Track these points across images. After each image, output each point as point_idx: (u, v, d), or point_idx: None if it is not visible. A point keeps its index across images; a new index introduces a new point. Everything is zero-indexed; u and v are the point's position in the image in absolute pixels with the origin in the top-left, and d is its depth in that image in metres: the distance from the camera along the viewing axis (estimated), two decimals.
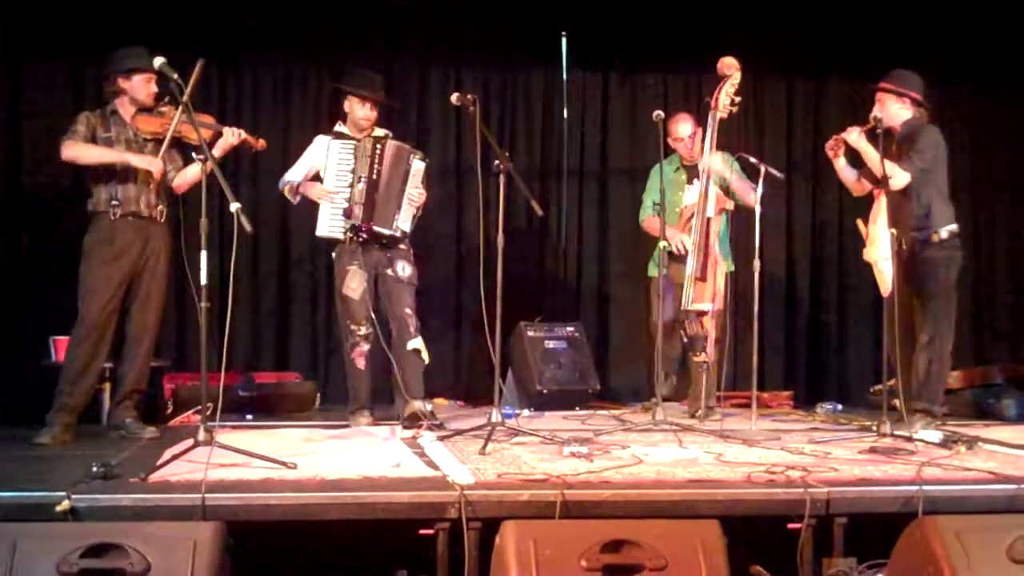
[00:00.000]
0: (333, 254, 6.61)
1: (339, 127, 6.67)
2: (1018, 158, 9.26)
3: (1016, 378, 7.77)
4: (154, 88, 5.96)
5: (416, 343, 6.49)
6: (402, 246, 6.59)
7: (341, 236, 6.46)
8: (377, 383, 6.71)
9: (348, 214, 6.42)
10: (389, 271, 6.51)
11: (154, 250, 6.01)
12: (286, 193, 6.64)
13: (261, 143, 6.21)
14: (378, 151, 6.46)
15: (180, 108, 5.51)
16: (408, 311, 6.50)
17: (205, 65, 5.58)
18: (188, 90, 5.26)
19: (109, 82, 6.00)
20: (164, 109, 5.96)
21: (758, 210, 6.41)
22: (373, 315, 6.45)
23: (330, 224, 6.49)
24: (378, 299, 6.54)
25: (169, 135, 5.85)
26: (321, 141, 6.65)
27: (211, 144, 5.84)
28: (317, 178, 6.60)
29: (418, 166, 6.59)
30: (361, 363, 6.48)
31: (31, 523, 3.80)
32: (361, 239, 6.45)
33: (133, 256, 5.94)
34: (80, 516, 3.96)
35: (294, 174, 6.63)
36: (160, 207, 6.04)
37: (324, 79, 8.50)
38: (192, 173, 6.05)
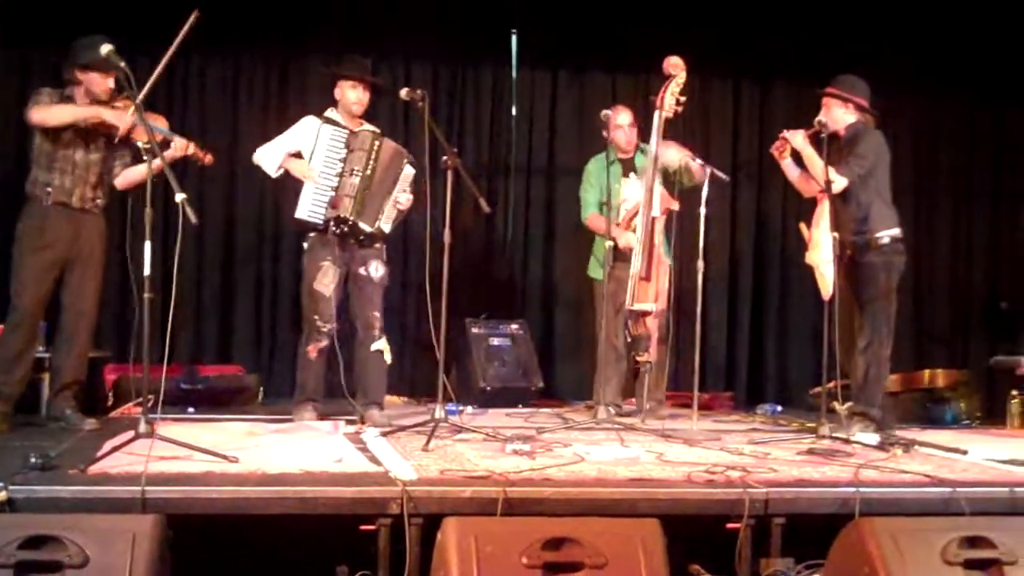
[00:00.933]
0: (305, 244, 6.50)
1: (331, 113, 6.51)
2: (960, 164, 9.40)
3: (953, 383, 7.88)
4: (110, 84, 5.82)
5: (380, 344, 6.46)
6: (377, 245, 6.52)
7: (320, 222, 6.33)
8: (325, 378, 6.67)
9: (335, 204, 6.32)
10: (362, 270, 6.44)
11: (87, 240, 5.92)
12: (262, 164, 6.44)
13: (208, 158, 6.07)
14: (376, 147, 6.39)
15: (133, 108, 5.45)
16: (376, 313, 6.46)
17: (199, 18, 5.55)
18: (173, 48, 5.24)
19: (68, 72, 5.88)
20: (120, 104, 5.85)
21: (703, 211, 6.44)
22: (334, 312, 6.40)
23: (311, 209, 6.34)
24: (346, 297, 6.48)
25: (124, 129, 5.77)
26: (311, 122, 6.47)
27: (160, 150, 5.80)
28: (299, 158, 6.43)
29: (408, 171, 6.51)
30: (314, 355, 6.40)
31: None
32: (343, 231, 6.35)
33: (64, 244, 5.85)
34: (17, 507, 3.90)
35: (275, 148, 6.44)
36: (98, 200, 5.97)
37: (272, 72, 8.49)
38: (137, 172, 5.97)
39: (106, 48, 5.11)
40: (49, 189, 5.80)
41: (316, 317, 6.36)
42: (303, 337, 6.49)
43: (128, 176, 6.06)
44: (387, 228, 6.49)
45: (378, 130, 6.58)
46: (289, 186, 6.56)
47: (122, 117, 5.78)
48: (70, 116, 5.77)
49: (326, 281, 6.33)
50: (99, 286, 6.06)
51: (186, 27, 5.49)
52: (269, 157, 6.43)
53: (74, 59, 5.83)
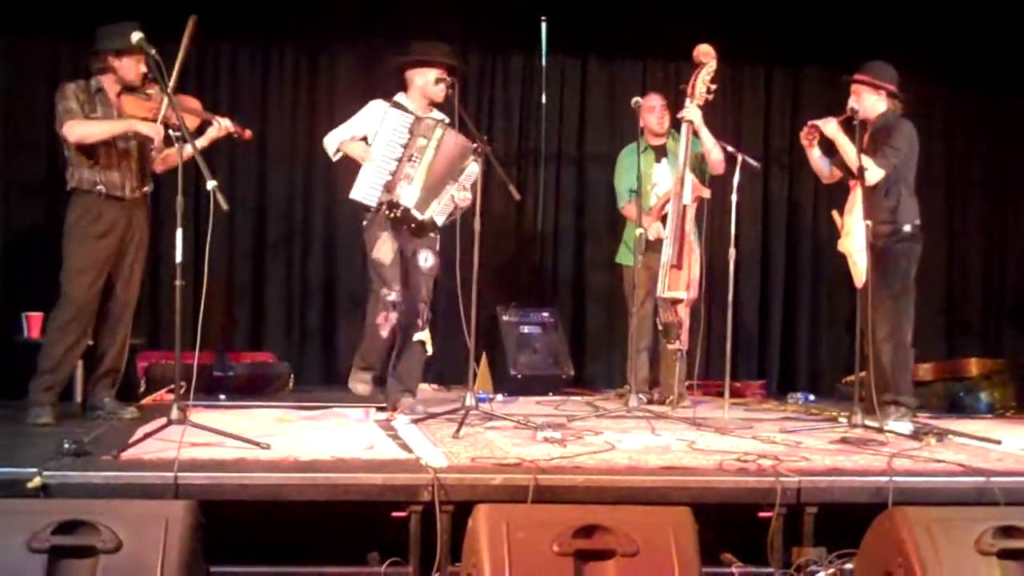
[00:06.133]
0: (363, 222, 6.33)
1: (399, 98, 6.36)
2: (993, 154, 9.30)
3: (987, 372, 7.82)
4: (143, 68, 5.75)
5: (422, 335, 6.36)
6: (431, 235, 6.37)
7: (374, 204, 6.19)
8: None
9: (390, 188, 6.17)
10: (412, 257, 6.32)
11: (138, 228, 5.89)
12: (328, 149, 6.34)
13: (248, 133, 6.02)
14: (439, 136, 6.20)
15: (165, 97, 5.43)
16: (422, 304, 6.32)
17: (197, 23, 5.50)
18: (178, 63, 5.21)
19: (98, 58, 5.80)
20: (151, 91, 5.80)
21: (734, 199, 6.40)
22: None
23: (367, 191, 6.18)
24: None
25: (159, 120, 5.68)
26: (378, 106, 6.31)
27: (199, 132, 5.79)
28: (363, 141, 6.30)
29: (473, 169, 6.26)
30: (386, 332, 6.22)
31: (2, 499, 3.78)
32: (394, 216, 6.21)
33: (119, 233, 5.80)
34: (52, 493, 3.95)
35: (341, 133, 6.32)
36: (144, 188, 5.94)
37: (301, 60, 8.48)
38: (173, 156, 5.88)
39: (137, 36, 5.12)
40: (100, 186, 5.72)
41: (381, 286, 6.19)
42: (373, 311, 6.31)
43: (166, 161, 6.01)
44: (440, 221, 6.33)
45: (446, 118, 6.39)
46: (350, 168, 6.37)
47: (158, 128, 5.71)
48: (108, 133, 5.70)
49: (384, 249, 6.16)
50: (142, 275, 6.05)
51: (187, 36, 5.40)
52: (332, 142, 6.33)
53: (107, 45, 5.76)
